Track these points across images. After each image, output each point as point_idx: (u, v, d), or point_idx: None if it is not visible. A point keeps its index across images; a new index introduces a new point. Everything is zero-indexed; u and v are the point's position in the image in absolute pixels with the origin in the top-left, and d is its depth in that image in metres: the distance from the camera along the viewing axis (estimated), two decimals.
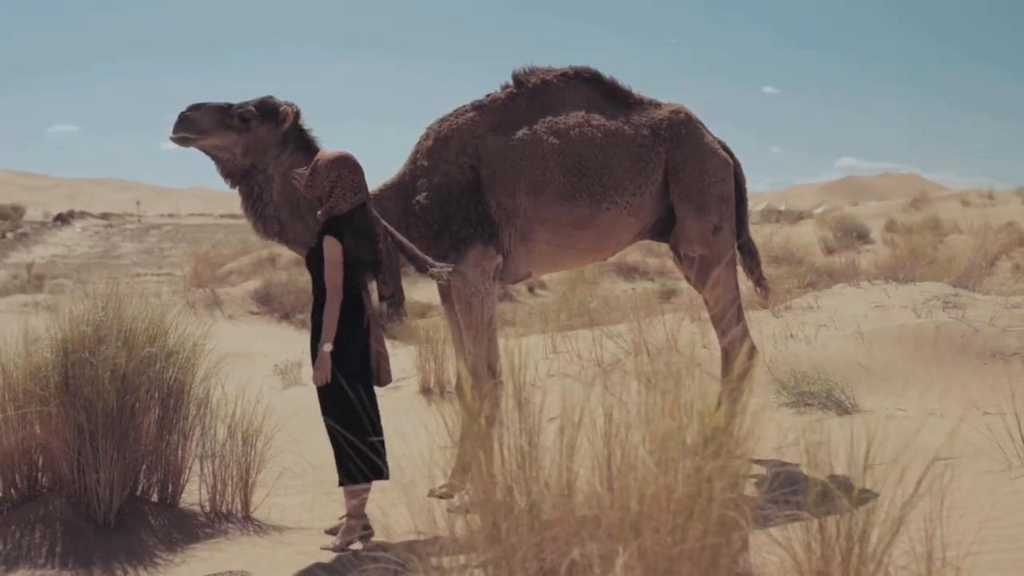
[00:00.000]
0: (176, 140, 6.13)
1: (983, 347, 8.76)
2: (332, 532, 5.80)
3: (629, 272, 25.04)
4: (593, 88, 6.70)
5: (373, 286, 5.92)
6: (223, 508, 6.13)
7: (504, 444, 3.78)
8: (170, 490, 6.13)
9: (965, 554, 3.83)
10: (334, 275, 5.58)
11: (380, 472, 5.63)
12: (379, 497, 5.76)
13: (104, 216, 70.88)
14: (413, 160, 6.54)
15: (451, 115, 6.57)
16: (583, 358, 9.71)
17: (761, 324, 9.71)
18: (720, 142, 6.91)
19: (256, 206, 6.25)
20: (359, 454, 5.54)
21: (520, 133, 6.44)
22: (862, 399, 7.76)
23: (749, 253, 6.99)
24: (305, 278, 19.84)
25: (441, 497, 6.47)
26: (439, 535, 4.86)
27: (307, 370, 11.95)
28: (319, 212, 5.79)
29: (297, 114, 6.26)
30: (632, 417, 3.63)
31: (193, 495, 6.19)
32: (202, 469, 6.19)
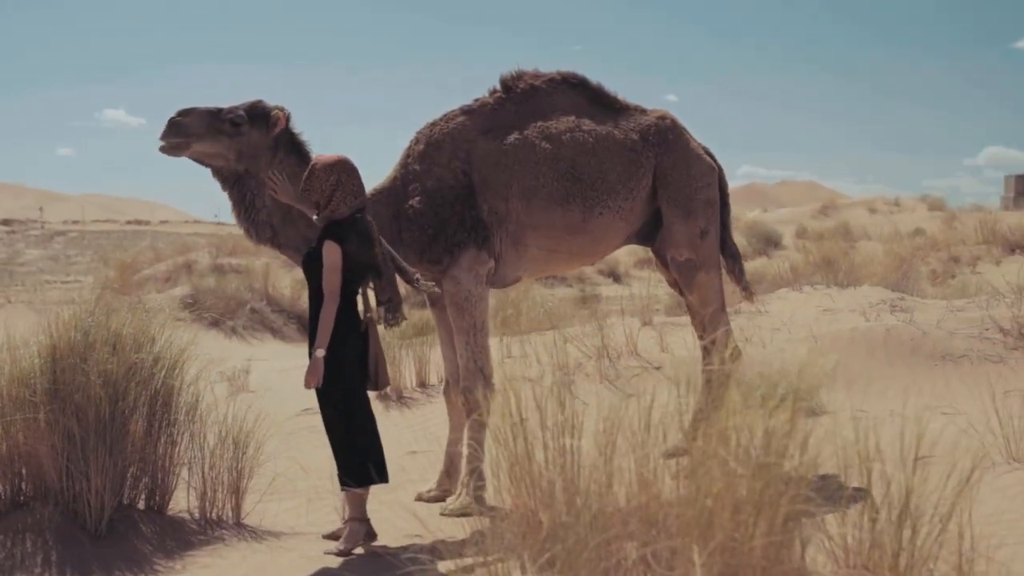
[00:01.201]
0: (166, 147, 6.02)
1: (932, 349, 9.01)
2: (331, 537, 5.76)
3: (547, 278, 25.14)
4: (580, 93, 6.74)
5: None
6: (213, 515, 6.04)
7: (546, 445, 3.83)
8: (158, 497, 6.03)
9: (997, 545, 3.96)
10: (333, 279, 5.55)
11: (381, 475, 5.62)
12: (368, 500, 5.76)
13: (6, 222, 69.09)
14: (404, 165, 6.51)
15: (441, 120, 6.56)
16: (542, 362, 9.73)
17: None
18: (704, 148, 7.02)
19: (248, 212, 6.18)
20: (360, 458, 5.54)
21: (511, 138, 6.46)
22: (824, 401, 7.91)
23: (732, 257, 7.10)
24: (234, 285, 19.58)
25: (431, 501, 6.50)
26: (441, 537, 4.89)
27: (254, 377, 11.93)
28: (316, 216, 5.75)
29: (288, 118, 6.21)
30: (671, 420, 3.71)
31: (181, 502, 6.09)
32: (190, 475, 6.10)
